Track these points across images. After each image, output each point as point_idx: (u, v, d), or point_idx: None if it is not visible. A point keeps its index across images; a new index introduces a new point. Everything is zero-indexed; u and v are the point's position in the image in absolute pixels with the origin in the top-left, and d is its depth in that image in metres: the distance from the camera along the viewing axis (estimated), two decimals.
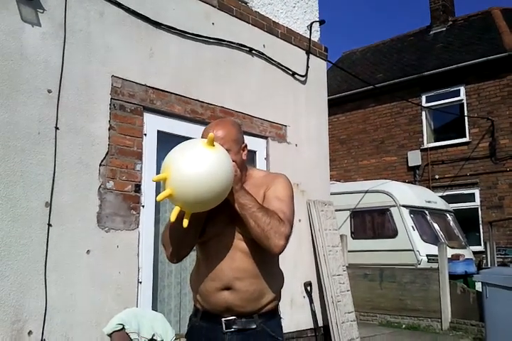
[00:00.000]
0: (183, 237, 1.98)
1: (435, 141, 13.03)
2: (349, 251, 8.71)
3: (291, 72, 5.77)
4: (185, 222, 1.83)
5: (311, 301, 5.50)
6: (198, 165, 1.78)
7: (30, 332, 3.23)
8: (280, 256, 2.08)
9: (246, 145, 2.11)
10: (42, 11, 3.57)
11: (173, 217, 1.81)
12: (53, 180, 3.46)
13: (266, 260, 2.00)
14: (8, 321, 3.14)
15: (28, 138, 3.38)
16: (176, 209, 1.82)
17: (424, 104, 13.00)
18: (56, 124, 3.53)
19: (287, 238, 1.92)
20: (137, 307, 3.83)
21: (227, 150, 1.93)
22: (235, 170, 1.91)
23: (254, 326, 1.96)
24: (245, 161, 2.10)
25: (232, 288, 1.93)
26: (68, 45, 3.69)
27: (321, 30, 6.45)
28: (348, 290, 5.80)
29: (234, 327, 1.95)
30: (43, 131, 3.46)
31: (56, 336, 3.36)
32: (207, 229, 2.01)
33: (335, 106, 12.94)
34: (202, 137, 2.01)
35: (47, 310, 3.30)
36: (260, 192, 2.03)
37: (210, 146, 1.83)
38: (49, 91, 3.54)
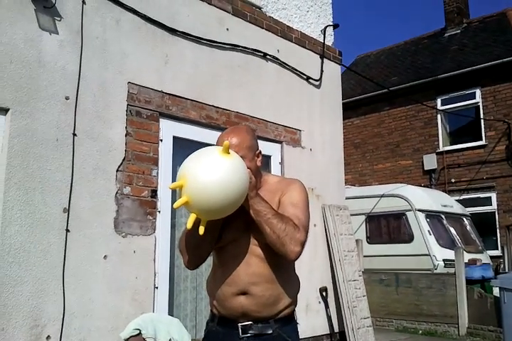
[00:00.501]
0: (199, 244, 1.99)
1: (451, 144, 12.92)
2: (365, 256, 8.67)
3: (305, 77, 5.77)
4: (201, 229, 1.84)
5: (327, 306, 5.48)
6: (214, 173, 1.80)
7: (48, 337, 3.26)
8: (296, 261, 2.08)
9: (260, 152, 2.12)
10: (59, 18, 3.62)
11: (189, 224, 1.82)
12: (71, 186, 3.50)
13: (282, 265, 2.00)
14: (27, 326, 3.17)
15: (47, 145, 3.42)
16: (192, 217, 1.83)
17: (439, 107, 12.91)
18: (74, 131, 3.58)
19: (303, 244, 1.92)
20: (154, 312, 3.85)
21: (241, 157, 1.94)
22: (250, 177, 1.92)
23: (270, 331, 1.96)
24: (260, 167, 2.11)
25: (248, 293, 1.94)
26: (85, 52, 3.73)
27: (335, 33, 6.46)
28: (364, 296, 5.77)
29: (250, 332, 1.95)
30: (60, 137, 3.51)
31: None
32: (223, 235, 2.02)
33: (349, 109, 12.91)
34: (217, 144, 2.02)
35: (65, 315, 3.33)
36: (275, 198, 2.03)
37: (225, 154, 1.85)
38: (66, 98, 3.58)
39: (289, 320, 2.04)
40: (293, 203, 2.00)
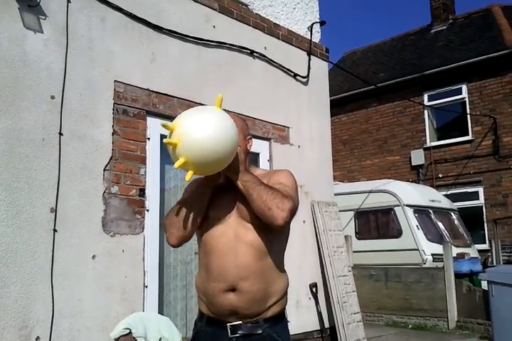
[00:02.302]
0: (190, 211, 1.97)
1: (438, 139, 13.01)
2: (354, 252, 8.71)
3: (292, 74, 5.77)
4: (189, 175, 1.82)
5: (317, 302, 5.50)
6: (208, 122, 1.82)
7: (37, 338, 3.24)
8: (285, 257, 2.08)
9: (251, 138, 2.15)
10: (44, 17, 3.59)
11: (188, 177, 1.82)
12: (58, 186, 3.47)
13: (271, 254, 1.98)
14: (16, 327, 3.15)
15: (33, 145, 3.39)
16: (181, 161, 1.81)
17: (426, 102, 12.99)
18: (60, 130, 3.55)
19: (291, 211, 1.89)
20: (143, 311, 3.84)
21: None
22: (238, 151, 1.95)
23: (260, 331, 1.94)
24: (249, 153, 2.12)
25: (237, 289, 1.92)
26: (70, 51, 3.70)
27: (322, 30, 6.46)
28: (353, 291, 5.80)
29: (239, 332, 1.93)
30: (47, 137, 3.48)
31: None
32: (210, 214, 2.00)
33: (337, 106, 12.93)
34: None
35: (54, 316, 3.31)
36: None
37: (218, 107, 1.92)
38: (52, 97, 3.55)
39: (279, 319, 2.03)
40: (281, 183, 2.00)
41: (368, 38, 50.12)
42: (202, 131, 1.79)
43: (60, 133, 3.55)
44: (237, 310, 1.94)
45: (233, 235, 1.96)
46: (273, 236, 1.98)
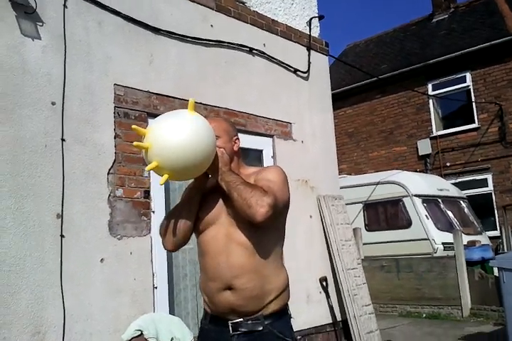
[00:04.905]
0: (179, 218, 2.05)
1: (444, 128, 12.94)
2: (364, 244, 8.72)
3: (293, 69, 5.76)
4: (163, 179, 1.88)
5: (328, 296, 5.51)
6: (179, 127, 1.87)
7: None
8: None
9: (238, 138, 2.20)
10: (41, 24, 3.61)
11: (162, 181, 1.89)
12: (63, 192, 3.50)
13: (264, 253, 2.00)
14: (28, 333, 3.19)
15: (36, 152, 3.42)
16: (153, 164, 1.86)
17: (430, 92, 12.92)
18: (62, 136, 3.57)
19: (271, 207, 1.89)
20: (154, 312, 3.87)
21: (217, 136, 2.04)
22: (222, 152, 2.02)
23: (260, 328, 1.97)
24: (236, 153, 2.16)
25: (233, 287, 1.95)
26: (69, 56, 3.72)
27: (322, 24, 6.44)
28: (364, 283, 5.80)
29: (241, 329, 1.98)
30: (49, 143, 3.50)
31: None
32: (200, 215, 2.06)
33: (341, 99, 12.91)
34: None
35: (65, 321, 3.35)
36: (250, 179, 2.05)
37: (191, 111, 1.94)
38: (53, 103, 3.57)
39: (281, 315, 2.05)
40: (267, 179, 2.03)
41: (369, 30, 49.80)
42: (172, 136, 1.84)
43: (63, 139, 3.57)
44: (234, 308, 1.97)
45: (224, 235, 2.00)
46: (264, 233, 2.00)
